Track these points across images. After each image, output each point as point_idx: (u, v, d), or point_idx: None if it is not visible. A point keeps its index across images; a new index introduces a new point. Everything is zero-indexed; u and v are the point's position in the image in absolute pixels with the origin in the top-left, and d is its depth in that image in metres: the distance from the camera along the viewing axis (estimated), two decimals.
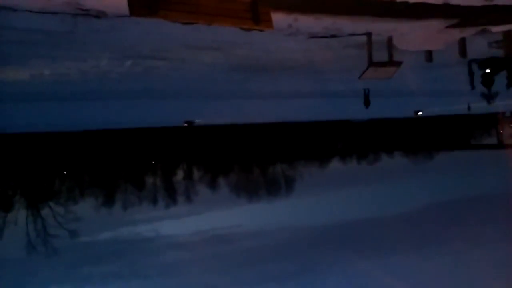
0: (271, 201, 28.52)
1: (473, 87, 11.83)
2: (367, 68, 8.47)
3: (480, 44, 9.89)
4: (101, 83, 12.69)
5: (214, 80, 14.13)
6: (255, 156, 34.42)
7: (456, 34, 8.82)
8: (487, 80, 10.49)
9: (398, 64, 8.80)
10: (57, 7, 5.96)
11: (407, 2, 6.53)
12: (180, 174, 33.27)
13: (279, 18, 6.18)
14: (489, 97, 12.66)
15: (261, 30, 5.28)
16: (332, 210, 24.58)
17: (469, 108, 22.88)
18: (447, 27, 8.26)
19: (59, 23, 6.63)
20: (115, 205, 27.68)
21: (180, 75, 12.83)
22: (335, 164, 35.91)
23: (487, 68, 10.76)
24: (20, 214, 24.31)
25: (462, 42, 9.29)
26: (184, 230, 23.68)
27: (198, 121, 26.56)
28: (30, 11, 6.06)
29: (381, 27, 7.93)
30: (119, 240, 22.51)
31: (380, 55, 8.64)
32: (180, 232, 23.43)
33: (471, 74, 11.38)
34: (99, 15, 6.47)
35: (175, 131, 29.61)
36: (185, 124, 26.73)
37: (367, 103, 16.76)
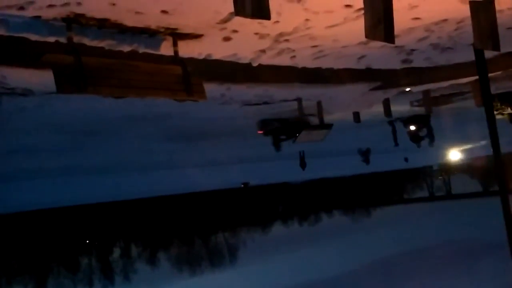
0: (215, 272, 27.66)
1: (396, 144, 12.49)
2: (300, 132, 8.72)
3: (403, 104, 10.56)
4: (29, 162, 12.10)
5: (150, 152, 13.93)
6: (195, 226, 33.62)
7: (380, 95, 9.37)
8: (415, 137, 11.11)
9: (329, 126, 9.14)
10: None
11: (332, 69, 6.90)
12: (117, 252, 31.65)
13: (212, 88, 6.28)
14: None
15: (194, 101, 5.31)
16: (277, 276, 24.14)
17: (406, 160, 23.94)
18: (371, 89, 8.77)
19: None
20: None
21: (114, 149, 12.54)
22: (278, 228, 35.81)
23: (411, 126, 11.41)
24: None
25: (386, 102, 9.87)
26: None
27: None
28: None
29: (310, 93, 8.28)
30: None
31: (312, 119, 8.97)
32: None
33: (394, 132, 12.05)
34: (25, 93, 6.27)
35: (109, 207, 28.47)
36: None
37: (303, 165, 17.09)
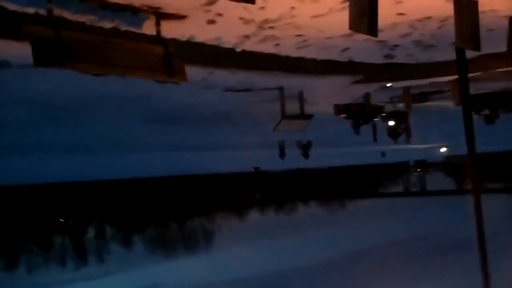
0: (189, 257, 27.69)
1: (375, 139, 12.58)
2: (280, 121, 8.73)
3: (383, 99, 10.64)
4: (4, 136, 11.86)
5: (128, 133, 13.78)
6: (171, 210, 33.55)
7: (361, 89, 9.43)
8: (393, 133, 11.21)
9: (309, 117, 9.16)
10: None
11: (315, 59, 6.90)
12: (91, 232, 31.41)
13: (193, 71, 6.23)
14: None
15: (175, 83, 5.25)
16: (252, 262, 24.33)
17: (383, 154, 24.16)
18: (352, 82, 8.82)
19: None
20: (18, 268, 25.38)
21: (92, 128, 12.37)
22: (254, 216, 36.00)
23: (390, 121, 11.50)
24: None
25: (367, 96, 9.94)
26: None
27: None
28: None
29: (292, 82, 8.28)
30: None
31: (295, 108, 8.98)
32: None
33: (373, 128, 12.13)
34: (2, 64, 6.13)
35: (84, 186, 28.19)
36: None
37: (282, 154, 17.13)
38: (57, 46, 4.06)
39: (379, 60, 7.20)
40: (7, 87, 7.38)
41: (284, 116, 8.67)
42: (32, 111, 9.59)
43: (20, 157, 15.80)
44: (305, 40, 5.94)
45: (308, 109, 9.41)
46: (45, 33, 4.07)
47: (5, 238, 27.50)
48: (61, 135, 12.78)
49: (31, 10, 4.29)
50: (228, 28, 5.28)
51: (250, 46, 5.92)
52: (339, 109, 10.55)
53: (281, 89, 8.56)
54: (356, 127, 10.72)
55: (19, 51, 4.94)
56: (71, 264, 26.74)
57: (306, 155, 15.27)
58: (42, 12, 4.24)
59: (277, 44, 5.97)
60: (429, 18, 5.42)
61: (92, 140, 14.40)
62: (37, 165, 18.34)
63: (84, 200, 30.18)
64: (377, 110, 10.56)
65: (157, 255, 27.78)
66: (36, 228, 29.14)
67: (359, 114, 10.41)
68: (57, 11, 4.25)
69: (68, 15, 4.41)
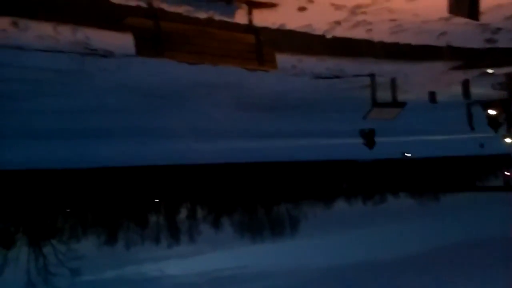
0: (275, 242, 28.09)
1: (472, 128, 11.84)
2: (371, 109, 8.50)
3: (484, 86, 9.97)
4: (106, 121, 12.79)
5: (219, 120, 14.21)
6: (259, 196, 34.18)
7: (459, 75, 8.91)
8: (494, 122, 10.49)
9: (402, 105, 8.83)
10: (65, 46, 6.08)
11: (410, 44, 6.62)
12: (183, 213, 33.00)
13: (283, 59, 6.27)
14: None
15: (265, 71, 5.33)
16: (338, 252, 24.13)
17: (481, 145, 22.67)
18: (450, 69, 8.35)
19: (67, 61, 6.75)
20: (117, 244, 27.38)
21: (186, 114, 12.92)
22: (340, 205, 35.55)
23: (490, 110, 10.78)
24: (21, 252, 24.02)
25: (466, 83, 9.37)
26: (188, 270, 23.25)
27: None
28: (40, 50, 6.19)
29: (385, 69, 8.03)
30: (123, 279, 22.10)
31: (385, 96, 8.70)
32: (184, 272, 22.98)
33: (469, 115, 11.40)
34: (106, 54, 6.59)
35: (178, 169, 29.58)
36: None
37: (371, 144, 16.70)
38: (157, 36, 4.30)
39: (480, 44, 6.75)
40: (110, 76, 7.94)
41: (376, 103, 8.43)
42: (132, 98, 10.23)
43: (120, 140, 16.95)
44: (399, 25, 5.72)
45: (400, 97, 9.08)
46: (146, 24, 4.33)
47: (107, 215, 29.79)
48: (157, 120, 13.50)
49: (132, 3, 4.57)
50: (319, 15, 5.24)
51: (341, 32, 5.83)
52: None
53: (372, 75, 8.33)
54: None
55: (122, 41, 5.29)
56: (164, 242, 28.28)
57: (369, 144, 14.34)
58: (143, 4, 4.50)
59: (370, 30, 5.82)
60: None
61: (184, 126, 15.04)
62: (136, 148, 19.56)
63: (177, 183, 31.71)
64: None
65: (245, 239, 28.50)
66: (133, 207, 31.20)
67: None
68: (156, 3, 4.49)
69: (166, 6, 4.65)
